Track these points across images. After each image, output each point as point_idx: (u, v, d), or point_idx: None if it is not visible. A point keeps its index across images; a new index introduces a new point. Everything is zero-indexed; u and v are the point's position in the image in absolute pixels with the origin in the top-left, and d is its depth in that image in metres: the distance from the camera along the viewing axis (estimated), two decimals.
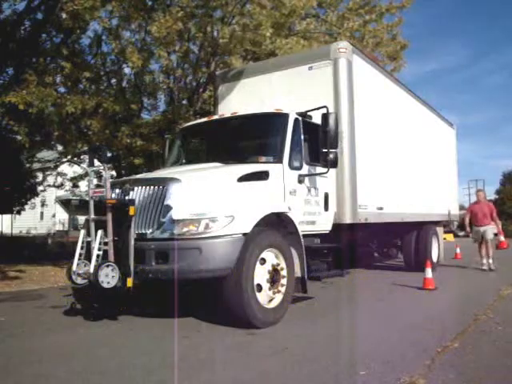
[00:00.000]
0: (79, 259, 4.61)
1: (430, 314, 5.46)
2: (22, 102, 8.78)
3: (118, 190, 4.85)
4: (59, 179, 17.84)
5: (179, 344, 3.81)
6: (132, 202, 4.52)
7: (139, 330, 4.55)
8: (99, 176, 10.29)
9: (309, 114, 5.85)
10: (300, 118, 5.75)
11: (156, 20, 9.55)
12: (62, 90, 11.10)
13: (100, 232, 4.52)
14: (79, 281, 4.56)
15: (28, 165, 16.20)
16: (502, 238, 10.07)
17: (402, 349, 3.85)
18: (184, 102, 12.72)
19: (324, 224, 6.04)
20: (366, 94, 7.07)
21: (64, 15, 9.22)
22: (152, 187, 4.67)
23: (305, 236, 5.23)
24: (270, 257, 4.70)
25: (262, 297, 4.54)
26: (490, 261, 9.75)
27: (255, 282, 4.45)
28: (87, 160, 15.02)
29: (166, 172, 5.64)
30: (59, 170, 18.05)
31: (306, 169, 5.68)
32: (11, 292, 7.23)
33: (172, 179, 4.65)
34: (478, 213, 9.93)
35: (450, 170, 11.86)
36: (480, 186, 64.04)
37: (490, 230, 9.88)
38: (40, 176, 18.55)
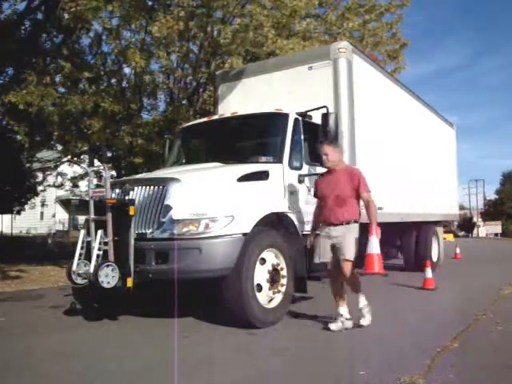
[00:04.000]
0: (79, 259, 4.61)
1: (429, 313, 5.46)
2: (22, 102, 8.79)
3: (118, 190, 4.84)
4: (59, 179, 17.86)
5: (179, 344, 3.80)
6: (132, 201, 4.52)
7: (139, 330, 4.56)
8: (99, 176, 10.30)
9: (309, 114, 5.84)
10: (300, 118, 5.75)
11: (157, 20, 9.56)
12: (61, 90, 11.11)
13: (100, 232, 4.52)
14: (79, 281, 4.56)
15: (28, 165, 16.20)
16: (373, 247, 4.31)
17: (402, 349, 3.85)
18: (184, 102, 12.72)
19: None
20: (366, 94, 7.06)
21: (66, 15, 9.23)
22: (152, 187, 4.66)
23: (305, 236, 5.23)
24: (270, 257, 4.70)
25: (262, 297, 4.54)
26: (361, 303, 4.59)
27: (255, 282, 4.45)
28: (87, 160, 15.09)
29: (166, 172, 5.63)
30: (59, 169, 18.07)
31: (306, 169, 5.68)
32: (11, 292, 7.23)
33: (172, 179, 4.65)
34: (329, 195, 4.56)
35: (450, 170, 11.85)
36: (480, 186, 64.07)
37: (351, 236, 4.46)
38: (40, 176, 18.57)
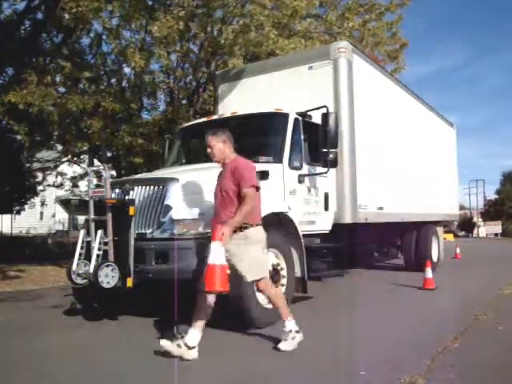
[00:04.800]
0: (79, 259, 4.61)
1: (430, 313, 5.46)
2: (22, 102, 8.79)
3: (117, 190, 4.84)
4: (59, 179, 17.86)
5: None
6: (132, 201, 4.51)
7: (139, 330, 4.55)
8: (99, 176, 10.32)
9: (309, 113, 5.85)
10: (300, 118, 5.75)
11: (157, 20, 9.56)
12: (61, 90, 11.11)
13: (100, 232, 4.51)
14: (79, 281, 4.56)
15: (28, 165, 16.21)
16: (214, 256, 3.38)
17: (402, 349, 3.85)
18: (184, 101, 12.72)
19: (324, 224, 6.04)
20: (365, 94, 7.06)
21: (67, 16, 9.23)
22: (152, 187, 4.66)
23: (305, 236, 5.22)
24: (270, 257, 4.69)
25: (262, 297, 4.53)
26: (288, 326, 3.73)
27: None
28: (87, 160, 15.09)
29: (166, 172, 5.63)
30: (59, 169, 18.06)
31: (305, 169, 5.68)
32: (11, 292, 7.23)
33: (172, 179, 4.65)
34: (217, 194, 3.86)
35: (450, 170, 11.86)
36: (480, 186, 64.13)
37: (249, 248, 3.64)
38: (40, 176, 18.57)
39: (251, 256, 3.61)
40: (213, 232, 3.55)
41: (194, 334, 3.54)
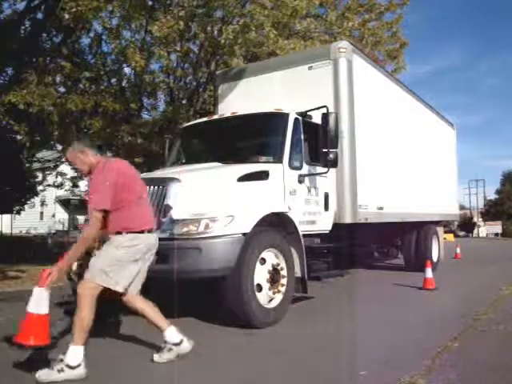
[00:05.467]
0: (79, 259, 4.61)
1: (430, 314, 5.47)
2: (22, 102, 8.80)
3: None
4: (59, 179, 17.87)
5: None
6: None
7: (139, 330, 4.54)
8: None
9: (309, 113, 5.85)
10: (300, 118, 5.75)
11: (157, 20, 9.57)
12: (61, 89, 11.12)
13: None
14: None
15: (28, 164, 16.21)
16: (34, 303, 3.07)
17: (402, 349, 3.85)
18: (184, 101, 12.72)
19: (324, 224, 6.04)
20: (366, 94, 7.06)
21: (67, 15, 9.24)
22: (152, 187, 4.65)
23: (305, 236, 5.23)
24: (270, 257, 4.70)
25: (262, 297, 4.53)
26: (68, 355, 3.04)
27: (255, 282, 4.45)
28: None
29: (166, 172, 5.63)
30: (59, 169, 18.08)
31: (306, 169, 5.68)
32: (11, 292, 7.22)
33: (172, 179, 4.65)
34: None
35: (450, 170, 11.86)
36: (480, 186, 64.26)
37: (105, 252, 3.35)
38: (40, 176, 18.58)
39: (103, 257, 3.30)
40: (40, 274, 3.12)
41: (170, 332, 3.44)
